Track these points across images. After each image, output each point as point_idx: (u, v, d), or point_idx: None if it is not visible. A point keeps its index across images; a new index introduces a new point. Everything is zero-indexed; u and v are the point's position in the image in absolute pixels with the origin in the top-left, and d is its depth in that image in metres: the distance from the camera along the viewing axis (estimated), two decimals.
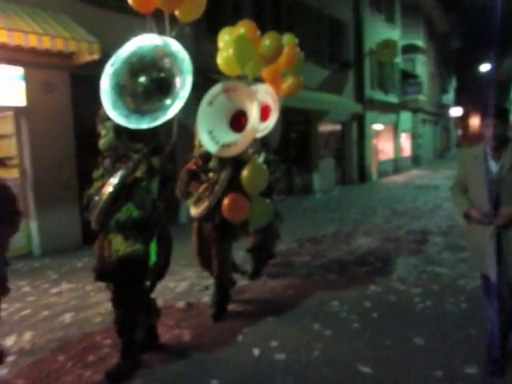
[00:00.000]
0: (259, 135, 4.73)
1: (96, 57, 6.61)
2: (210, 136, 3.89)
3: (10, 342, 3.89)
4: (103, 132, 3.20)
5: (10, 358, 3.54)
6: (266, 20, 11.99)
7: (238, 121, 3.97)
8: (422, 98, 23.53)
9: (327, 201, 13.13)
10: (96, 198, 3.13)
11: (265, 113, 5.08)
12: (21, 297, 5.11)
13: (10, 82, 6.44)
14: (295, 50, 4.91)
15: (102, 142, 3.21)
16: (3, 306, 4.73)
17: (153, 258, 3.25)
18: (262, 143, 5.00)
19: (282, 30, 5.25)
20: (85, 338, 3.88)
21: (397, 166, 21.94)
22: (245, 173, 3.89)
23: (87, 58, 6.80)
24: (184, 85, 3.02)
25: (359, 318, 4.11)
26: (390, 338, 3.67)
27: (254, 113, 3.75)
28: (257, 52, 4.29)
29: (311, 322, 4.05)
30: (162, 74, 3.15)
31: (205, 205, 3.99)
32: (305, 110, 13.62)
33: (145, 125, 2.97)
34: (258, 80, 4.90)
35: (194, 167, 4.13)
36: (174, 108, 2.99)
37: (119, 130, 3.11)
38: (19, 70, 6.48)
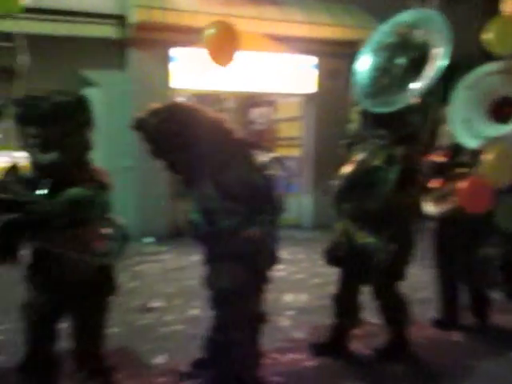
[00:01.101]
0: None
1: None
2: (466, 126, 3.31)
3: (288, 298, 4.50)
4: (352, 116, 3.21)
5: (290, 312, 4.12)
6: None
7: (501, 109, 3.29)
8: None
9: None
10: (333, 181, 3.14)
11: None
12: (296, 262, 5.82)
13: (305, 70, 7.27)
14: None
15: (350, 127, 3.23)
16: (282, 266, 5.50)
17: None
18: None
19: None
20: None
21: None
22: (489, 156, 3.15)
23: None
24: (436, 65, 2.74)
25: None
26: None
27: None
28: None
29: None
30: (417, 53, 2.92)
31: (451, 204, 3.47)
32: None
33: (386, 108, 2.87)
34: None
35: (440, 160, 3.64)
36: (418, 91, 2.81)
37: (365, 114, 3.04)
38: (313, 60, 7.23)
